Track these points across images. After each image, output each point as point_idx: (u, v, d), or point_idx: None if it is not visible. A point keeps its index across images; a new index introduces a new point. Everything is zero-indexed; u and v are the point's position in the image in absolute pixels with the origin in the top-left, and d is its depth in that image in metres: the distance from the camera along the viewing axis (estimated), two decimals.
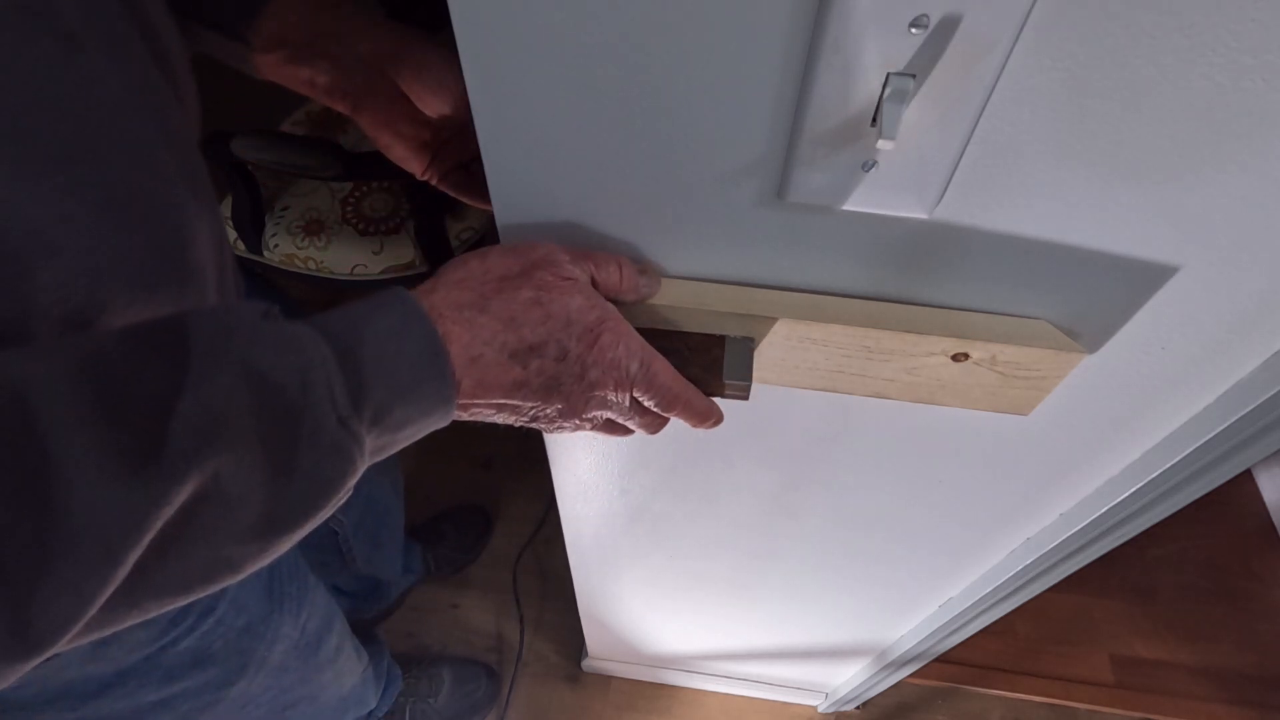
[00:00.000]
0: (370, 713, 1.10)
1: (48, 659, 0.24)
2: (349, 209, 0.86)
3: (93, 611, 0.25)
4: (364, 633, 1.02)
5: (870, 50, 0.27)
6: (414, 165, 0.49)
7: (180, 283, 0.36)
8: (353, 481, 0.31)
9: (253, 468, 0.27)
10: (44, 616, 0.23)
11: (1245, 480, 1.48)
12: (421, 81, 0.44)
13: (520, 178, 0.36)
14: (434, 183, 0.51)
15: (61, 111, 0.29)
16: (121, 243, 0.32)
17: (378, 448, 0.32)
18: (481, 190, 0.49)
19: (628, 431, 0.42)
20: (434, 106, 0.45)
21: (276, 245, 0.84)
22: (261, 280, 0.83)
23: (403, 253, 0.81)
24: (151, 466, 0.24)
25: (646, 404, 0.39)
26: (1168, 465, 0.47)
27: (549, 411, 0.37)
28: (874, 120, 0.30)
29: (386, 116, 0.46)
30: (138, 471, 0.24)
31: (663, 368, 0.38)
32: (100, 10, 0.32)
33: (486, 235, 0.84)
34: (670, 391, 0.38)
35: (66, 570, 0.23)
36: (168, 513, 0.25)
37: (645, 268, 0.40)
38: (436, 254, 0.81)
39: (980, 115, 0.29)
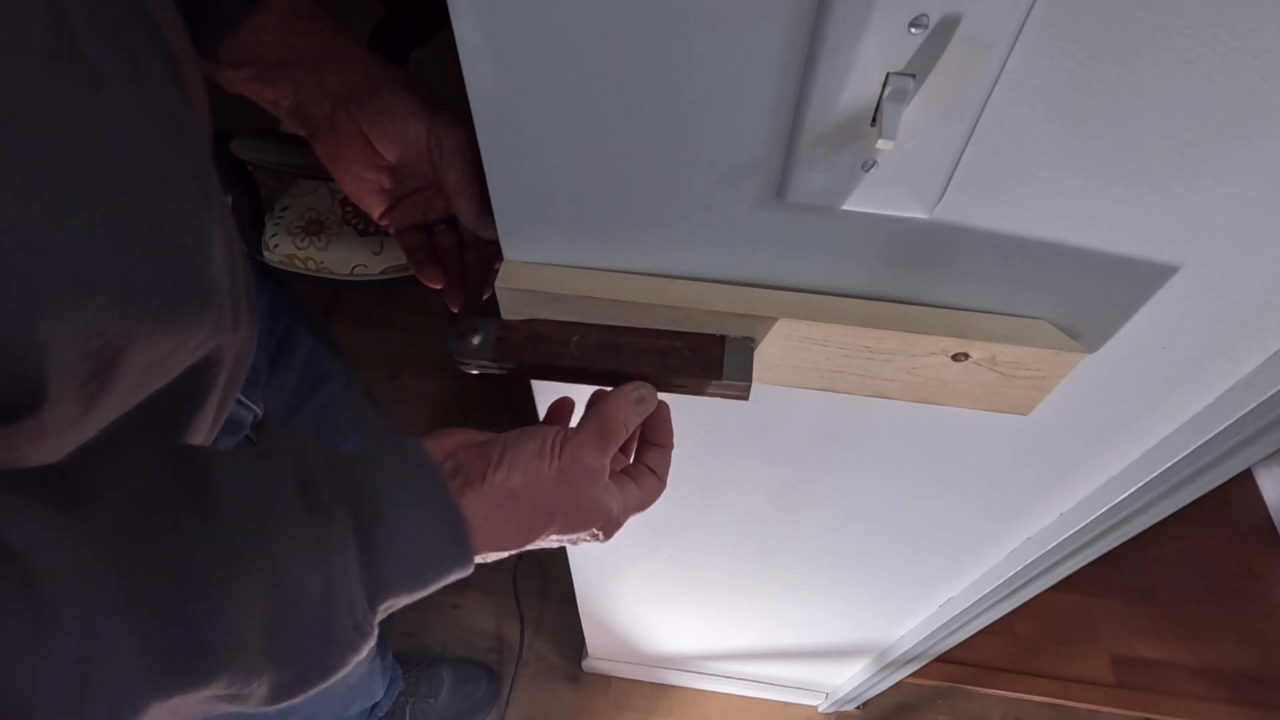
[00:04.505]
0: (374, 707, 1.10)
1: None
2: (349, 209, 0.86)
3: None
4: None
5: (870, 50, 0.27)
6: (369, 207, 0.48)
7: (202, 299, 0.37)
8: (360, 657, 0.33)
9: (262, 674, 0.29)
10: None
11: (1245, 480, 1.48)
12: (380, 126, 0.43)
13: (519, 178, 0.36)
14: (391, 233, 0.50)
15: (90, 149, 0.30)
16: (151, 270, 0.33)
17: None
18: (435, 264, 0.49)
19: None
20: (391, 153, 0.44)
21: (276, 246, 0.84)
22: (268, 274, 0.83)
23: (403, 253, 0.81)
24: (178, 665, 0.27)
25: None
26: (1168, 465, 0.47)
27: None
28: (874, 120, 0.30)
29: (342, 153, 0.45)
30: (165, 670, 0.27)
31: (620, 516, 0.40)
32: (121, 37, 0.32)
33: None
34: (628, 518, 0.41)
35: None
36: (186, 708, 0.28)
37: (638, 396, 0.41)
38: None
39: (980, 115, 0.29)
